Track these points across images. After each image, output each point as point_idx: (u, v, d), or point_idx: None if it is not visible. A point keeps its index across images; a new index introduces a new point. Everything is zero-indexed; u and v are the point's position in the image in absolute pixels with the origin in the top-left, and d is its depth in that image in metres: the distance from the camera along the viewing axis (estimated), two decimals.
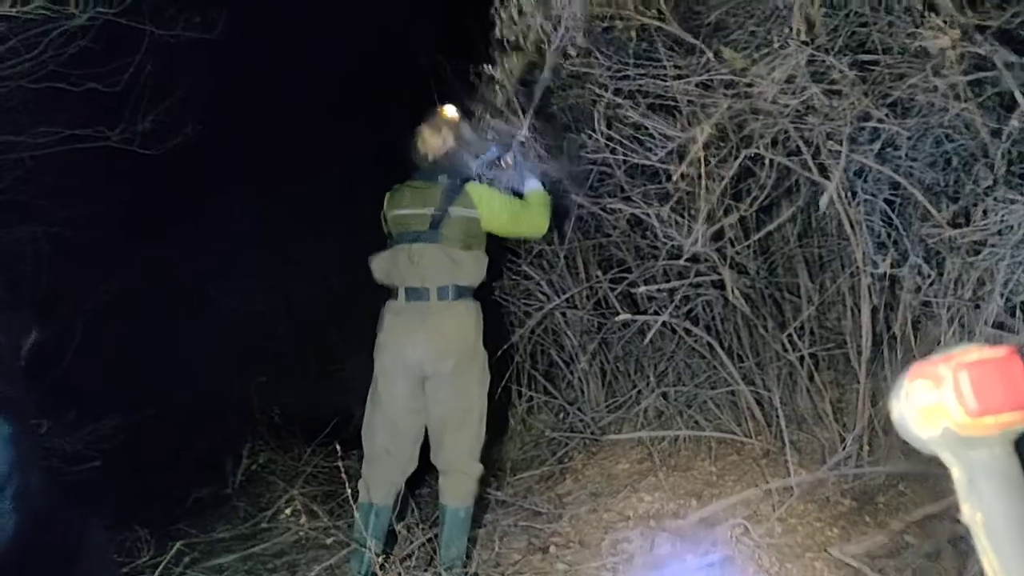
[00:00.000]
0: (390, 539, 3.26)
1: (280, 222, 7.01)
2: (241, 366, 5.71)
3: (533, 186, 3.35)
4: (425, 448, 3.23)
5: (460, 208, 3.08)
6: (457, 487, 3.15)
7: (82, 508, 0.67)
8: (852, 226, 2.94)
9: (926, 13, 2.48)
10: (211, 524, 3.84)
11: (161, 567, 3.22)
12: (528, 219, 3.23)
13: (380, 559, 2.96)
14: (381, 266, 3.19)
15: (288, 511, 3.78)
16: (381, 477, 3.14)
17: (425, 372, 3.08)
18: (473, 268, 3.13)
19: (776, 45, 2.75)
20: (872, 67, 2.76)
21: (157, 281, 6.36)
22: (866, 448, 3.12)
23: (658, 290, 3.64)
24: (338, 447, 3.21)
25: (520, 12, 3.19)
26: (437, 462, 3.19)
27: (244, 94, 5.90)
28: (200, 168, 5.74)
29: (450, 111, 3.25)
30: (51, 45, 3.70)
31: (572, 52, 3.29)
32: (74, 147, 4.03)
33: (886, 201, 2.95)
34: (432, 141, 3.13)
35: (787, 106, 2.77)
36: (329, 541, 3.39)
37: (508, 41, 3.31)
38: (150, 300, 6.20)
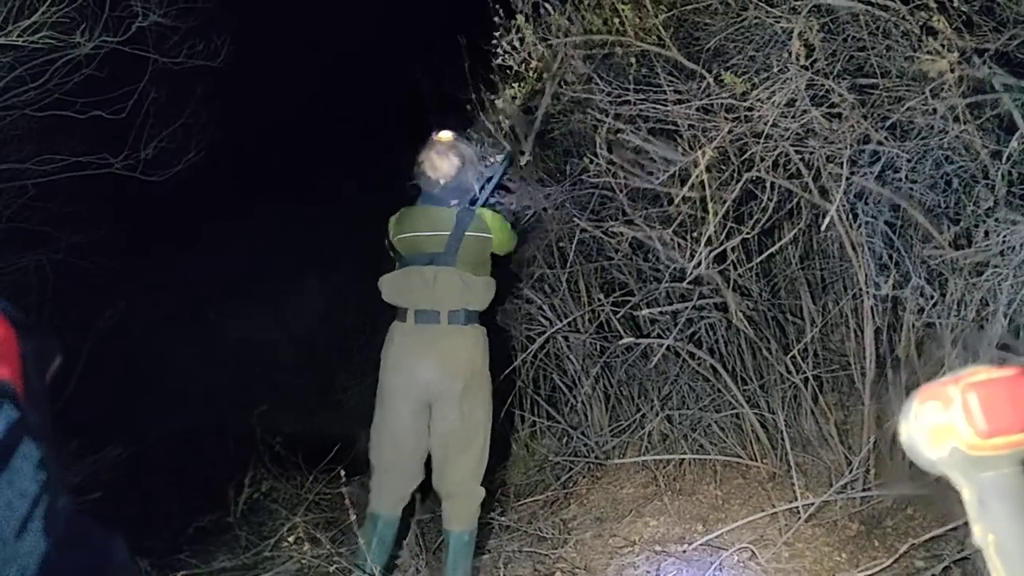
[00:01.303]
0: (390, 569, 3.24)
1: (282, 249, 7.03)
2: (243, 394, 5.69)
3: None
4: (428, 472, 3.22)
5: (474, 231, 3.11)
6: (460, 511, 3.15)
7: (107, 528, 0.67)
8: (854, 248, 2.95)
9: (924, 37, 2.50)
10: (213, 554, 3.80)
11: None
12: (514, 237, 3.36)
13: None
14: (391, 286, 3.17)
15: (291, 539, 3.74)
16: (390, 487, 3.15)
17: (433, 393, 3.08)
18: (483, 293, 3.15)
19: (776, 69, 2.77)
20: (871, 90, 2.78)
21: (159, 308, 6.38)
22: (872, 471, 3.10)
23: (661, 313, 3.64)
24: (341, 474, 3.19)
25: (521, 40, 3.23)
26: (440, 486, 3.17)
27: (246, 122, 5.95)
28: (202, 194, 5.77)
29: (447, 134, 3.27)
30: (56, 73, 3.74)
31: (573, 78, 3.32)
32: (78, 174, 4.05)
33: (887, 223, 2.95)
34: (442, 166, 3.15)
35: (787, 129, 2.79)
36: (332, 569, 3.35)
37: (509, 69, 3.34)
38: (153, 327, 6.21)
